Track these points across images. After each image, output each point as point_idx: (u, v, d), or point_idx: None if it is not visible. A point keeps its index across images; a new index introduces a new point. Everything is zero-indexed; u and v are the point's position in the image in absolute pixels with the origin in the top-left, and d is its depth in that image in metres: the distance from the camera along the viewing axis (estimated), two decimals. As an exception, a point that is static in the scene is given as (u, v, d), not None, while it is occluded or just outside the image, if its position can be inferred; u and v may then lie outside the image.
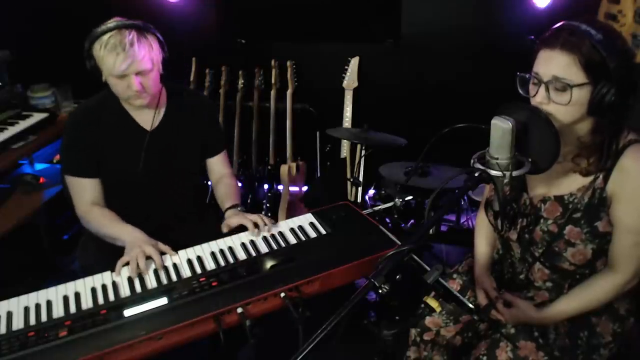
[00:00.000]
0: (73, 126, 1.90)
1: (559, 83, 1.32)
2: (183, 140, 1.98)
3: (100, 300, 1.53)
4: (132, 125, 1.92)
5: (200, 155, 2.08)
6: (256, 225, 1.80)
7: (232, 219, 1.86)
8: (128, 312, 1.44)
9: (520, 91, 1.42)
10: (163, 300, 1.48)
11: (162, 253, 1.70)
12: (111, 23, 1.74)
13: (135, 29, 1.74)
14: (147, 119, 1.92)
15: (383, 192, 2.88)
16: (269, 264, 1.62)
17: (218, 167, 2.12)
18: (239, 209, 1.94)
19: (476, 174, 1.29)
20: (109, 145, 1.89)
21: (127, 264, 1.64)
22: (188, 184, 2.07)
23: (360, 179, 3.23)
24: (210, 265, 1.66)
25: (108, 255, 1.73)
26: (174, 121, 1.96)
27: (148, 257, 1.66)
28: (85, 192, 1.91)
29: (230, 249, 1.73)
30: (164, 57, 1.84)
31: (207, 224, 2.02)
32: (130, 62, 1.71)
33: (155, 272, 1.64)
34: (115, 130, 1.90)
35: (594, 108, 1.32)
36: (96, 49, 1.73)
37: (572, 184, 1.48)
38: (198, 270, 1.63)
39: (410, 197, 2.66)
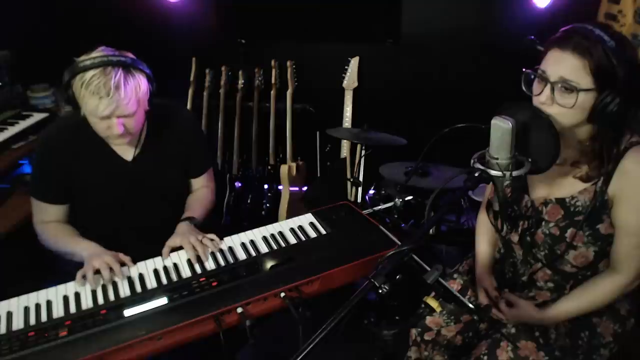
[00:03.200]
0: (43, 151, 1.79)
1: (566, 85, 1.31)
2: (165, 166, 1.89)
3: (100, 300, 1.53)
4: (110, 155, 1.81)
5: (184, 175, 2.00)
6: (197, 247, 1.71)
7: (176, 239, 1.75)
8: (128, 312, 1.44)
9: (524, 88, 1.42)
10: (163, 300, 1.48)
11: (122, 264, 1.65)
12: (96, 58, 1.59)
13: (122, 67, 1.60)
14: (127, 149, 1.82)
15: (383, 192, 2.88)
16: (269, 264, 1.62)
17: (200, 184, 2.04)
18: (193, 223, 1.84)
19: (476, 174, 1.29)
20: (85, 175, 1.80)
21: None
22: (176, 202, 1.97)
23: (360, 179, 3.23)
24: (210, 265, 1.66)
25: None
26: (155, 148, 1.87)
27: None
28: (46, 214, 1.83)
29: (230, 249, 1.73)
30: (152, 91, 1.71)
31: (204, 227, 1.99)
32: (114, 107, 1.59)
33: (155, 272, 1.64)
34: (92, 160, 1.80)
35: (595, 115, 1.32)
36: (77, 84, 1.59)
37: (573, 186, 1.48)
38: (198, 270, 1.63)
39: (410, 197, 2.66)
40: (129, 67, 1.62)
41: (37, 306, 1.51)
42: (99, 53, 1.62)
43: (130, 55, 1.67)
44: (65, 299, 1.54)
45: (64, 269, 1.78)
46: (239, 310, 1.43)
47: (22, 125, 2.79)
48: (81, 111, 1.66)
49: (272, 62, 3.37)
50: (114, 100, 1.58)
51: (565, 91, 1.32)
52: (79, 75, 1.59)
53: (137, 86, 1.64)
